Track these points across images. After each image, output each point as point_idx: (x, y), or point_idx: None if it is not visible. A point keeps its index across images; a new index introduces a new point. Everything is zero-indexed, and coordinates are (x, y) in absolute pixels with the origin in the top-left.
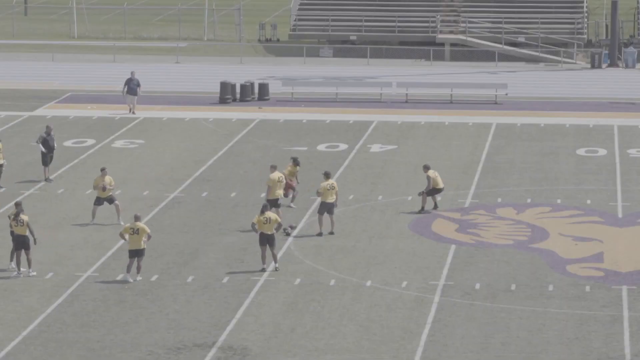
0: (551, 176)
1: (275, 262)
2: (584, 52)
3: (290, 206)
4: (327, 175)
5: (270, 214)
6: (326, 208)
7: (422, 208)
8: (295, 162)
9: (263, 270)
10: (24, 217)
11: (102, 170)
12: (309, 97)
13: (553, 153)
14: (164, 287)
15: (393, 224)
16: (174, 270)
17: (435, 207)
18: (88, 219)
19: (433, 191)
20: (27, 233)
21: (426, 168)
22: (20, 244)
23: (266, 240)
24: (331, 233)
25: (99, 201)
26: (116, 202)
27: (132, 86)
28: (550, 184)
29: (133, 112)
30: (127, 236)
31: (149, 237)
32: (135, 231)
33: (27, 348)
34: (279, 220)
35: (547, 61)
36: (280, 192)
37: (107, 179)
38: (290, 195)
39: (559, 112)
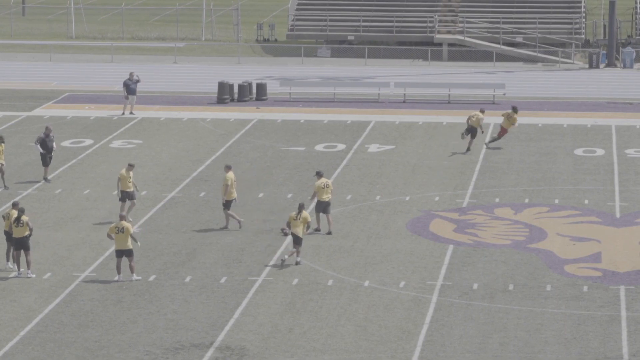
0: (549, 176)
1: (298, 255)
2: (582, 52)
3: None
4: (319, 175)
5: (305, 214)
6: (322, 207)
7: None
8: None
9: (282, 261)
10: (24, 218)
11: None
12: (307, 97)
13: (551, 153)
14: (161, 287)
15: (391, 224)
16: (171, 270)
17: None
18: (86, 218)
19: (471, 130)
20: (27, 233)
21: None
22: (20, 245)
23: (296, 241)
24: (329, 233)
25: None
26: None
27: (132, 86)
28: (548, 184)
29: (131, 112)
30: (113, 236)
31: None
32: (121, 230)
33: (25, 348)
34: (309, 220)
35: (544, 61)
36: (235, 194)
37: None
38: None
39: (556, 112)
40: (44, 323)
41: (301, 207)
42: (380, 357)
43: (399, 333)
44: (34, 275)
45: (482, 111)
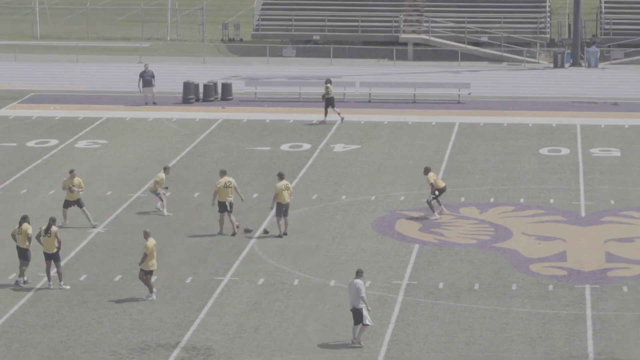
0: (514, 175)
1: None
2: (547, 52)
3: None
4: (280, 176)
5: None
6: (282, 209)
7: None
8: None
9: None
10: (53, 228)
11: (71, 172)
12: (272, 96)
13: (516, 152)
14: (127, 288)
15: (356, 223)
16: (137, 270)
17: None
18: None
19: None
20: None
21: (427, 170)
22: (50, 255)
23: None
24: (285, 234)
25: (67, 204)
26: (84, 208)
27: (147, 78)
28: (513, 183)
29: (154, 103)
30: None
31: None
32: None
33: None
34: None
35: (510, 61)
36: (229, 197)
37: (76, 180)
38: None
39: (521, 111)
40: (9, 323)
41: None
42: (346, 356)
43: (365, 333)
44: (68, 287)
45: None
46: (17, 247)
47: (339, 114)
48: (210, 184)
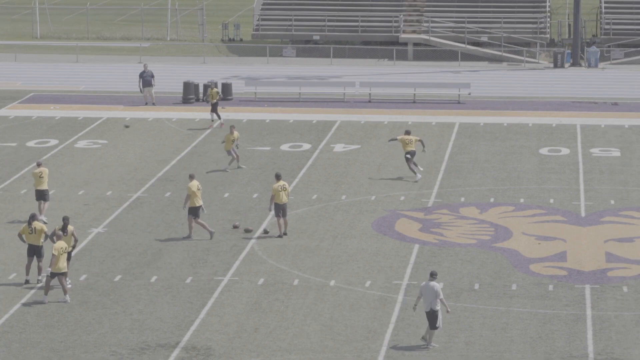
0: (514, 175)
1: None
2: (547, 52)
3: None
4: (278, 177)
5: None
6: (280, 209)
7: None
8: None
9: None
10: (70, 227)
11: (39, 164)
12: (272, 96)
13: (516, 152)
14: (127, 288)
15: (356, 223)
16: (137, 270)
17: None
18: (51, 219)
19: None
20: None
21: (406, 133)
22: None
23: None
24: (285, 234)
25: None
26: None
27: (146, 78)
28: (513, 183)
29: (153, 103)
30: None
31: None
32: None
33: None
34: None
35: (510, 61)
36: (200, 201)
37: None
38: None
39: (521, 111)
40: (9, 323)
41: None
42: (346, 356)
43: (365, 332)
44: (70, 286)
45: None
46: (30, 245)
47: (212, 120)
48: (210, 184)
